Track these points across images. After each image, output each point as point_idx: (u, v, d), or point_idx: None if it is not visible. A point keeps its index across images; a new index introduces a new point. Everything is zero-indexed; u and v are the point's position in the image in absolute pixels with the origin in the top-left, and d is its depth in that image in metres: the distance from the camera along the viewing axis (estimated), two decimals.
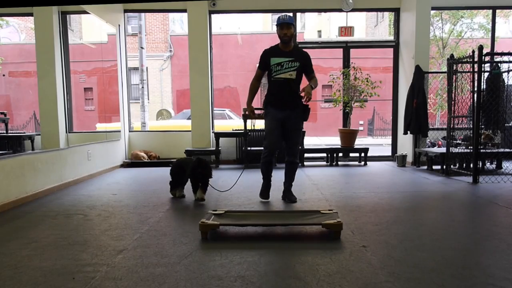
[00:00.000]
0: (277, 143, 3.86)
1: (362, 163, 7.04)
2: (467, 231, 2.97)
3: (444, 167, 5.64)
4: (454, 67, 5.58)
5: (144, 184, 5.12)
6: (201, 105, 7.08)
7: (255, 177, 5.60)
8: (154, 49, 17.49)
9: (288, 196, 3.98)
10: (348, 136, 7.06)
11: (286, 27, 3.72)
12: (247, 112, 3.98)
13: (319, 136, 13.68)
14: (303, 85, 3.83)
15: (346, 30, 8.18)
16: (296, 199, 3.93)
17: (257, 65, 3.99)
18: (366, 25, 20.14)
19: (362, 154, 7.05)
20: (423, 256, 2.39)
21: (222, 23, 18.07)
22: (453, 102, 5.55)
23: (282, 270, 2.21)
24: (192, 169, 3.91)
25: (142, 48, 9.50)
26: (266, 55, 3.85)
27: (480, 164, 5.80)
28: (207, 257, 2.40)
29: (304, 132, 7.06)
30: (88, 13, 5.92)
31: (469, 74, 5.34)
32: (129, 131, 7.39)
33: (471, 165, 5.14)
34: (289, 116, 3.80)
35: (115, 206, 3.83)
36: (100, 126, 6.65)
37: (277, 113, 3.81)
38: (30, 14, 5.01)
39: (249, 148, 6.80)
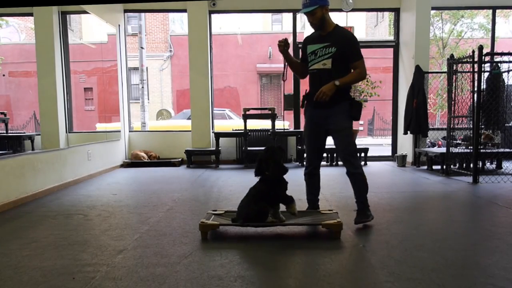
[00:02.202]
0: (313, 150, 3.21)
1: (362, 163, 7.03)
2: (467, 231, 2.97)
3: (444, 167, 5.63)
4: (454, 67, 5.58)
5: (144, 184, 5.12)
6: (201, 105, 7.08)
7: (256, 177, 5.60)
8: (154, 49, 17.48)
9: (358, 216, 3.08)
10: None
11: (308, 15, 3.00)
12: (280, 43, 3.08)
13: None
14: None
15: None
16: (361, 220, 3.05)
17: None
18: (366, 25, 20.14)
19: (362, 154, 7.05)
20: (423, 256, 2.39)
21: (222, 23, 18.06)
22: (453, 102, 5.54)
23: (282, 270, 2.21)
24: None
25: (142, 48, 9.50)
26: (304, 43, 3.18)
27: (480, 164, 5.80)
28: (207, 257, 2.40)
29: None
30: (88, 13, 5.92)
31: (469, 74, 5.34)
32: (129, 131, 7.39)
33: (471, 165, 5.13)
34: (327, 115, 3.03)
35: (115, 206, 3.83)
36: (100, 126, 6.65)
37: (311, 112, 3.13)
38: (30, 14, 5.01)
39: (249, 148, 6.80)
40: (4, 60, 6.04)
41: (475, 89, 4.95)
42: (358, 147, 7.06)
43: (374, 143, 13.24)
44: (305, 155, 3.25)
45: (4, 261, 2.39)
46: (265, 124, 7.51)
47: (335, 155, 7.00)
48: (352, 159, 3.09)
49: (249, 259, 2.36)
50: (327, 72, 2.98)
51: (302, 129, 7.27)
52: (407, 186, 4.87)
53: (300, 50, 3.28)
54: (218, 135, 6.95)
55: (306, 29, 19.66)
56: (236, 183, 5.09)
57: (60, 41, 5.03)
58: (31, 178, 4.22)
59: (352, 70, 3.05)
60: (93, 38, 6.75)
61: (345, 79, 2.97)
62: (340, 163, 7.06)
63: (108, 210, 3.68)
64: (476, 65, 4.94)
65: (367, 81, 6.90)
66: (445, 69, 6.50)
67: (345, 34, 3.04)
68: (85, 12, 5.92)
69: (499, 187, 4.63)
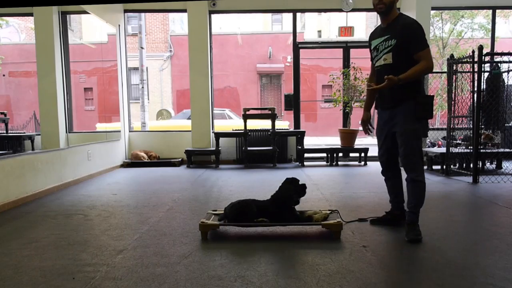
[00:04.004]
0: (383, 153, 2.99)
1: (362, 163, 7.04)
2: (467, 231, 2.97)
3: (444, 167, 5.63)
4: (454, 67, 5.58)
5: (144, 184, 5.12)
6: (201, 105, 7.08)
7: (256, 177, 5.61)
8: (154, 49, 17.48)
9: (407, 230, 2.74)
10: (348, 136, 7.06)
11: None
12: (360, 125, 3.08)
13: (319, 136, 13.68)
14: None
15: (346, 30, 8.19)
16: (416, 238, 2.66)
17: None
18: (366, 25, 20.14)
19: (362, 154, 7.05)
20: (423, 256, 2.39)
21: (222, 23, 18.06)
22: (453, 102, 5.54)
23: (282, 270, 2.21)
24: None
25: (142, 48, 9.50)
26: (369, 39, 2.97)
27: (480, 164, 5.80)
28: (207, 257, 2.40)
29: (304, 132, 7.07)
30: (88, 13, 5.92)
31: (469, 74, 5.34)
32: (129, 131, 7.39)
33: (471, 165, 5.13)
34: (393, 116, 2.80)
35: (115, 206, 3.83)
36: (100, 126, 6.66)
37: (380, 113, 2.94)
38: (30, 14, 5.01)
39: (249, 148, 6.80)
40: (4, 60, 6.04)
41: (475, 89, 4.95)
42: (358, 147, 7.14)
43: (374, 143, 13.21)
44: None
45: (4, 261, 2.40)
46: (265, 124, 7.51)
47: (334, 155, 7.00)
48: (414, 165, 2.74)
49: (249, 259, 2.36)
50: (389, 67, 2.71)
51: (302, 129, 7.29)
52: None
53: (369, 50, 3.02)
54: (218, 135, 6.95)
55: (306, 29, 19.67)
56: (236, 183, 5.09)
57: (60, 41, 5.04)
58: (31, 178, 4.22)
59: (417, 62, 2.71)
60: (93, 38, 6.75)
61: (407, 73, 2.63)
62: (340, 163, 7.06)
63: (108, 210, 3.68)
64: (476, 65, 4.94)
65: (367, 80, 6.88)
66: (445, 69, 6.50)
67: (406, 22, 2.69)
68: (85, 12, 5.92)
69: (499, 187, 4.63)
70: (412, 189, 2.74)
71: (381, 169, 3.06)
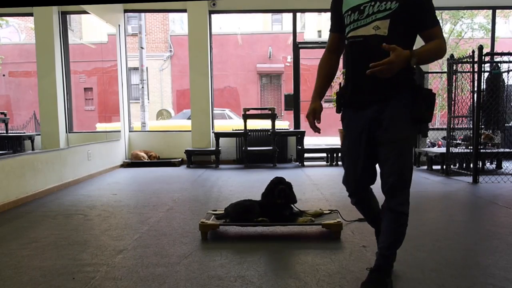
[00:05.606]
0: (358, 174, 1.96)
1: None
2: (467, 231, 2.97)
3: (444, 167, 5.63)
4: (454, 67, 5.58)
5: (144, 184, 5.12)
6: (201, 105, 7.09)
7: (256, 177, 5.61)
8: (154, 49, 17.49)
9: (371, 282, 1.85)
10: None
11: None
12: (307, 119, 2.02)
13: (319, 136, 13.68)
14: None
15: None
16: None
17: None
18: None
19: None
20: (423, 256, 2.39)
21: (222, 23, 18.07)
22: (453, 102, 5.55)
23: (282, 270, 2.21)
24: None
25: (142, 48, 9.50)
26: (336, 0, 1.94)
27: (480, 164, 5.80)
28: (207, 257, 2.40)
29: (304, 132, 7.04)
30: (88, 13, 5.92)
31: (469, 74, 5.34)
32: (129, 131, 7.39)
33: (471, 165, 5.13)
34: (378, 114, 1.83)
35: (115, 206, 3.83)
36: (100, 126, 6.66)
37: (355, 113, 1.92)
38: (30, 14, 5.02)
39: (249, 148, 6.80)
40: (4, 60, 6.05)
41: (475, 89, 4.95)
42: None
43: None
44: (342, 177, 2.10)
45: (4, 261, 2.40)
46: (265, 124, 7.51)
47: (334, 155, 6.99)
48: (402, 190, 1.83)
49: (249, 259, 2.36)
50: (379, 41, 1.72)
51: (302, 128, 7.26)
52: None
53: (331, 9, 2.00)
54: (218, 135, 6.94)
55: (306, 29, 19.66)
56: (236, 183, 5.09)
57: (60, 41, 5.04)
58: (31, 178, 4.22)
59: (429, 41, 1.81)
60: (93, 38, 6.75)
61: (423, 49, 1.76)
62: (340, 163, 7.04)
63: (108, 210, 3.68)
64: (476, 65, 4.94)
65: None
66: (445, 69, 6.50)
67: None
68: (85, 12, 5.92)
69: (499, 187, 4.63)
70: (391, 222, 1.87)
71: (350, 195, 2.13)
